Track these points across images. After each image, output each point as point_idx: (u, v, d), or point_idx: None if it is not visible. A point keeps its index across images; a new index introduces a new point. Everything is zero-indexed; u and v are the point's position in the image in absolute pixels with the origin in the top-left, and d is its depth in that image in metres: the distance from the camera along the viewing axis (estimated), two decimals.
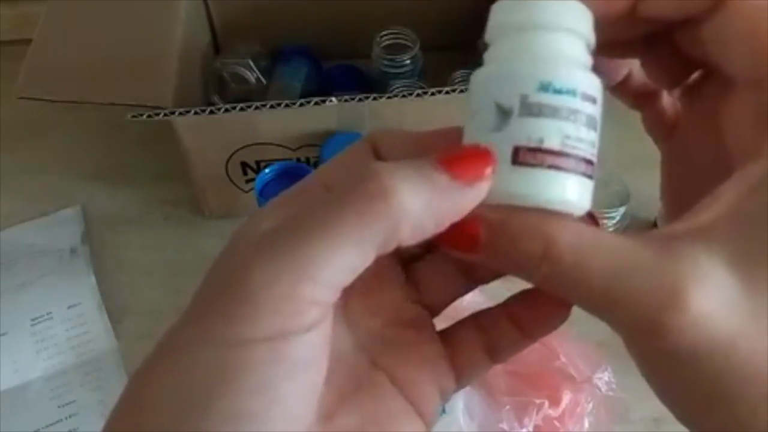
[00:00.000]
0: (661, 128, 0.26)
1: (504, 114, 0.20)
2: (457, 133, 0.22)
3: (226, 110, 0.55)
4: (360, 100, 0.56)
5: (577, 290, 0.19)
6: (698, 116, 0.24)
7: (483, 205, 0.20)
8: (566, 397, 0.50)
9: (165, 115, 0.54)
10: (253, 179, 0.62)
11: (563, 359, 0.51)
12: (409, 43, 0.69)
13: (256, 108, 0.55)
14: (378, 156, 0.23)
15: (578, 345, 0.52)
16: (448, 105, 0.55)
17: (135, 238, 0.66)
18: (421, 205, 0.19)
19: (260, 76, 0.69)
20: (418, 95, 0.55)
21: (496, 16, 0.22)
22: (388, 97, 0.57)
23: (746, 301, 0.18)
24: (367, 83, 0.71)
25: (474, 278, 0.24)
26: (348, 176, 0.19)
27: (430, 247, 0.24)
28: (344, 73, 0.74)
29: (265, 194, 0.57)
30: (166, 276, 0.63)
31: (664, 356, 0.18)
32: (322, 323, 0.19)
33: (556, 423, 0.49)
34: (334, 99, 0.55)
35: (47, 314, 0.60)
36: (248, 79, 0.69)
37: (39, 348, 0.59)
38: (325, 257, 0.18)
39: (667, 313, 0.18)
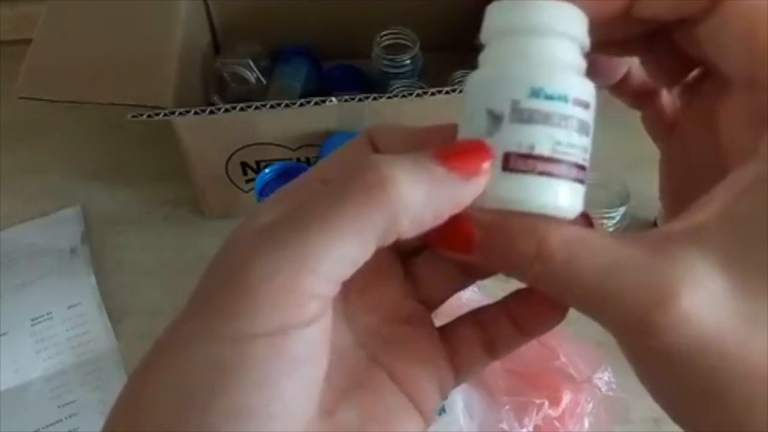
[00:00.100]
0: (660, 127, 0.26)
1: (495, 119, 0.20)
2: (453, 129, 0.22)
3: (226, 110, 0.55)
4: (360, 100, 0.56)
5: (568, 289, 0.19)
6: (697, 115, 0.24)
7: (477, 209, 0.20)
8: (566, 397, 0.50)
9: (165, 115, 0.54)
10: (253, 179, 0.62)
11: (563, 359, 0.51)
12: (409, 43, 0.69)
13: (256, 108, 0.55)
14: (376, 151, 0.23)
15: (578, 345, 0.52)
16: (448, 105, 0.55)
17: (135, 238, 0.66)
18: (420, 197, 0.19)
19: (260, 76, 0.69)
20: (418, 95, 0.55)
21: (491, 17, 0.22)
22: (388, 97, 0.57)
23: (738, 301, 0.18)
24: (367, 83, 0.71)
25: (471, 274, 0.25)
26: (347, 169, 0.19)
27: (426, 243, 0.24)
28: (344, 73, 0.74)
29: (265, 194, 0.57)
30: (166, 276, 0.63)
31: (656, 356, 0.18)
32: (322, 318, 0.19)
33: (556, 423, 0.49)
34: (334, 99, 0.55)
35: (47, 314, 0.60)
36: (248, 79, 0.69)
37: (39, 348, 0.59)
38: (324, 249, 0.18)
39: (657, 311, 0.18)
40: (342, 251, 0.18)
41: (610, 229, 0.63)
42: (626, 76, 0.25)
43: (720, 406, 0.18)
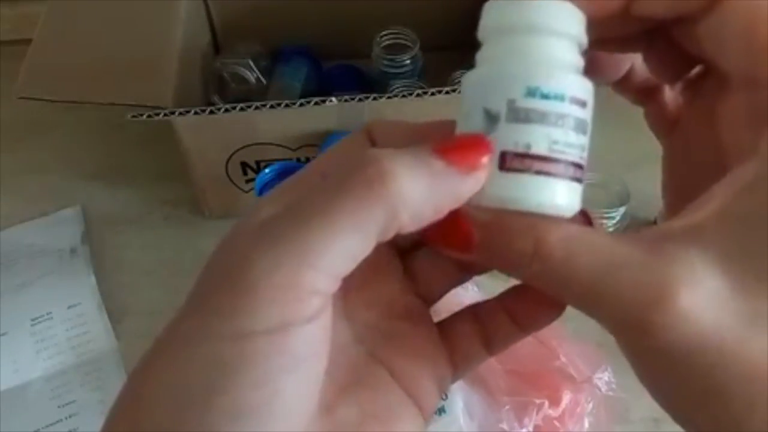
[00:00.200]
0: (663, 123, 0.25)
1: (492, 119, 0.20)
2: (451, 125, 0.22)
3: (226, 110, 0.55)
4: (360, 100, 0.56)
5: (567, 287, 0.19)
6: (698, 112, 0.24)
7: (475, 207, 0.20)
8: (566, 397, 0.50)
9: (165, 115, 0.54)
10: (253, 179, 0.62)
11: (563, 359, 0.51)
12: (409, 43, 0.69)
13: (256, 108, 0.55)
14: (374, 146, 0.23)
15: (578, 345, 0.52)
16: (448, 105, 0.55)
17: (135, 238, 0.66)
18: (420, 191, 0.19)
19: (260, 76, 0.69)
20: (418, 95, 0.55)
21: (487, 16, 0.22)
22: (388, 97, 0.56)
23: (737, 299, 0.18)
24: (367, 83, 0.71)
25: (469, 270, 0.25)
26: (346, 163, 0.19)
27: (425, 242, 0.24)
28: (344, 73, 0.73)
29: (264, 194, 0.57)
30: (166, 276, 0.63)
31: (655, 354, 0.18)
32: (322, 315, 0.19)
33: (556, 423, 0.49)
34: (334, 99, 0.55)
35: (47, 314, 0.60)
36: (248, 79, 0.69)
37: (39, 348, 0.59)
38: (325, 244, 0.18)
39: (656, 310, 0.18)
40: (342, 246, 0.18)
41: (610, 229, 0.63)
42: (629, 73, 0.25)
43: (720, 405, 0.18)
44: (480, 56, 0.22)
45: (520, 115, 0.20)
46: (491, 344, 0.24)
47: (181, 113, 0.54)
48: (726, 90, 0.22)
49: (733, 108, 0.22)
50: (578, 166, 0.21)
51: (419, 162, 0.19)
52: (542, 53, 0.20)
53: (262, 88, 0.69)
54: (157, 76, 0.56)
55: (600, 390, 0.51)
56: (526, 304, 0.23)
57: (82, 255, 0.64)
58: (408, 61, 0.68)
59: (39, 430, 0.55)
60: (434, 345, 0.23)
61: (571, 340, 0.52)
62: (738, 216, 0.18)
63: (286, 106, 0.55)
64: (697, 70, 0.24)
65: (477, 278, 0.25)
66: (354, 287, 0.22)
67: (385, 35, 0.68)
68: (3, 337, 0.59)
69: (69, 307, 0.61)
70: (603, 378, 0.51)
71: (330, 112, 0.57)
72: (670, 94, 0.25)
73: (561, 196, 0.20)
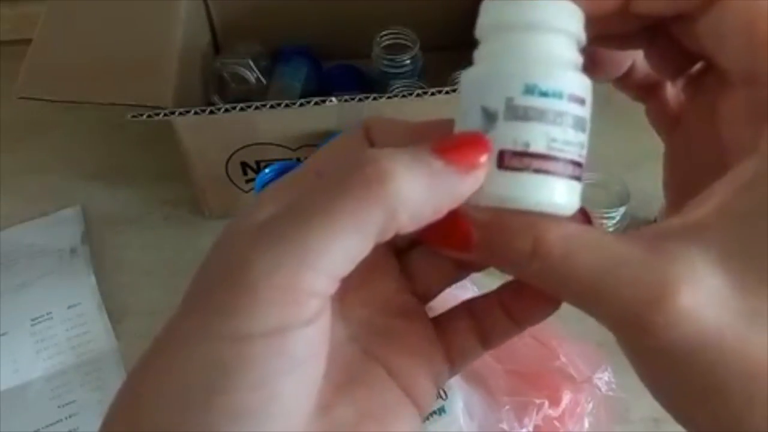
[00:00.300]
0: (664, 120, 0.25)
1: (490, 117, 0.20)
2: (450, 124, 0.22)
3: (226, 110, 0.55)
4: (360, 100, 0.56)
5: (566, 285, 0.19)
6: (699, 109, 0.24)
7: (473, 207, 0.20)
8: (566, 397, 0.50)
9: (165, 115, 0.54)
10: (253, 179, 0.62)
11: (563, 359, 0.51)
12: (409, 43, 0.68)
13: (256, 108, 0.55)
14: (371, 144, 0.23)
15: (578, 345, 0.52)
16: (448, 105, 0.55)
17: (135, 238, 0.66)
18: (419, 191, 0.19)
19: (260, 76, 0.69)
20: (418, 95, 0.55)
21: (485, 14, 0.21)
22: (388, 97, 0.56)
23: (737, 297, 0.18)
24: (367, 83, 0.71)
25: (466, 267, 0.25)
26: (344, 163, 0.19)
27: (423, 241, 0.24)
28: (344, 73, 0.73)
29: None
30: (166, 276, 0.63)
31: (655, 353, 0.18)
32: (320, 317, 0.19)
33: (556, 423, 0.49)
34: (334, 99, 0.55)
35: (47, 314, 0.60)
36: (248, 79, 0.69)
37: (39, 348, 0.59)
38: (325, 245, 0.18)
39: (657, 308, 0.18)
40: (342, 247, 0.18)
41: (611, 229, 0.63)
42: (630, 69, 0.25)
43: (720, 402, 0.18)
44: (478, 54, 0.22)
45: (518, 113, 0.20)
46: (487, 339, 0.24)
47: (181, 113, 0.54)
48: (726, 87, 0.22)
49: (733, 105, 0.22)
50: (577, 164, 0.20)
51: (418, 162, 0.19)
52: (540, 51, 0.20)
53: (262, 88, 0.69)
54: (157, 76, 0.56)
55: (600, 390, 0.51)
56: (522, 299, 0.23)
57: (82, 255, 0.64)
58: (408, 61, 0.68)
59: (39, 430, 0.55)
60: (430, 341, 0.23)
61: (571, 340, 0.52)
62: (738, 214, 0.18)
63: (286, 106, 0.55)
64: (698, 66, 0.24)
65: (474, 276, 0.25)
66: (351, 287, 0.22)
67: (385, 35, 0.68)
68: (3, 337, 0.59)
69: (69, 307, 0.61)
70: (603, 378, 0.51)
71: (330, 112, 0.57)
72: (672, 91, 0.25)
73: (560, 195, 0.20)
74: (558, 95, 0.20)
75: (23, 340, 0.59)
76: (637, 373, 0.20)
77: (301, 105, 0.55)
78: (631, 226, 0.64)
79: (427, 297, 0.25)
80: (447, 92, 0.54)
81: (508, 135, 0.20)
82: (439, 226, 0.20)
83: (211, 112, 0.54)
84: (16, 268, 0.63)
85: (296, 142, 0.60)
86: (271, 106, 0.55)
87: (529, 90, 0.20)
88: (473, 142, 0.20)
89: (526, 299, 0.23)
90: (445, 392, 0.47)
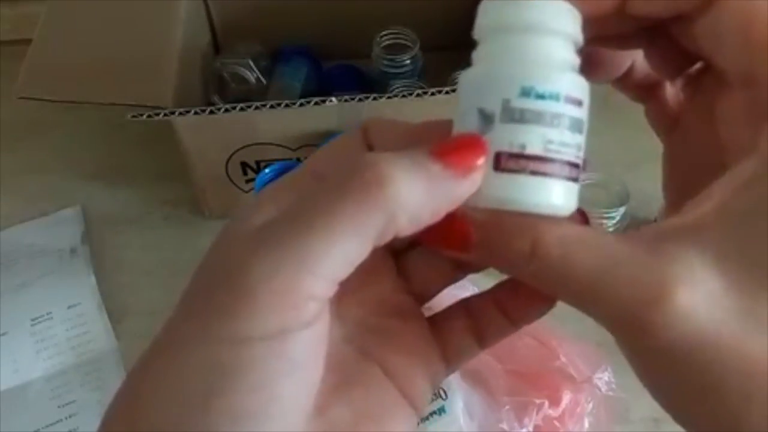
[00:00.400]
0: (663, 120, 0.25)
1: (487, 119, 0.20)
2: (448, 125, 0.22)
3: (226, 110, 0.55)
4: (360, 100, 0.56)
5: (564, 285, 0.19)
6: (698, 109, 0.24)
7: (472, 208, 0.20)
8: (566, 397, 0.50)
9: (165, 115, 0.54)
10: (253, 179, 0.62)
11: (563, 359, 0.51)
12: (409, 43, 0.68)
13: (256, 108, 0.55)
14: (370, 146, 0.23)
15: (578, 345, 0.52)
16: (448, 105, 0.55)
17: (135, 238, 0.66)
18: (417, 195, 0.19)
19: (260, 76, 0.69)
20: (418, 95, 0.55)
21: (483, 15, 0.21)
22: (388, 97, 0.56)
23: (735, 297, 0.18)
24: (367, 83, 0.71)
25: (464, 268, 0.25)
26: (343, 166, 0.19)
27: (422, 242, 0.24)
28: (344, 73, 0.73)
29: None
30: (166, 276, 0.63)
31: (654, 352, 0.18)
32: (319, 320, 0.19)
33: (556, 423, 0.49)
34: (334, 99, 0.55)
35: (47, 314, 0.60)
36: (248, 79, 0.69)
37: (39, 348, 0.59)
38: (324, 249, 0.18)
39: (654, 308, 0.18)
40: (341, 251, 0.18)
41: (610, 229, 0.63)
42: (630, 70, 0.25)
43: (718, 401, 0.18)
44: (476, 55, 0.22)
45: (514, 115, 0.20)
46: (483, 338, 0.24)
47: (181, 113, 0.54)
48: (724, 87, 0.22)
49: (731, 105, 0.22)
50: (574, 165, 0.20)
51: (416, 165, 0.19)
52: (537, 52, 0.20)
53: (262, 88, 0.69)
54: (157, 76, 0.56)
55: (600, 390, 0.51)
56: (517, 297, 0.23)
57: (82, 255, 0.64)
58: (408, 61, 0.68)
59: (39, 430, 0.55)
60: (426, 341, 0.23)
61: (571, 340, 0.52)
62: (736, 214, 0.18)
63: (286, 106, 0.55)
64: (697, 66, 0.24)
65: (473, 276, 0.25)
66: (348, 288, 0.22)
67: (385, 35, 0.68)
68: (3, 337, 0.59)
69: (69, 307, 0.61)
70: (603, 378, 0.51)
71: (330, 112, 0.57)
72: (671, 91, 0.25)
73: (557, 196, 0.20)
74: (555, 97, 0.20)
75: (23, 340, 0.59)
76: (636, 373, 0.20)
77: (301, 105, 0.55)
78: (631, 226, 0.64)
79: (424, 297, 0.25)
80: (447, 92, 0.54)
81: (505, 137, 0.20)
82: (438, 227, 0.20)
83: (211, 112, 0.54)
84: (16, 268, 0.63)
85: (296, 142, 0.60)
86: (271, 106, 0.55)
87: (526, 92, 0.20)
88: (470, 144, 0.20)
89: (522, 298, 0.23)
90: (445, 392, 0.47)
